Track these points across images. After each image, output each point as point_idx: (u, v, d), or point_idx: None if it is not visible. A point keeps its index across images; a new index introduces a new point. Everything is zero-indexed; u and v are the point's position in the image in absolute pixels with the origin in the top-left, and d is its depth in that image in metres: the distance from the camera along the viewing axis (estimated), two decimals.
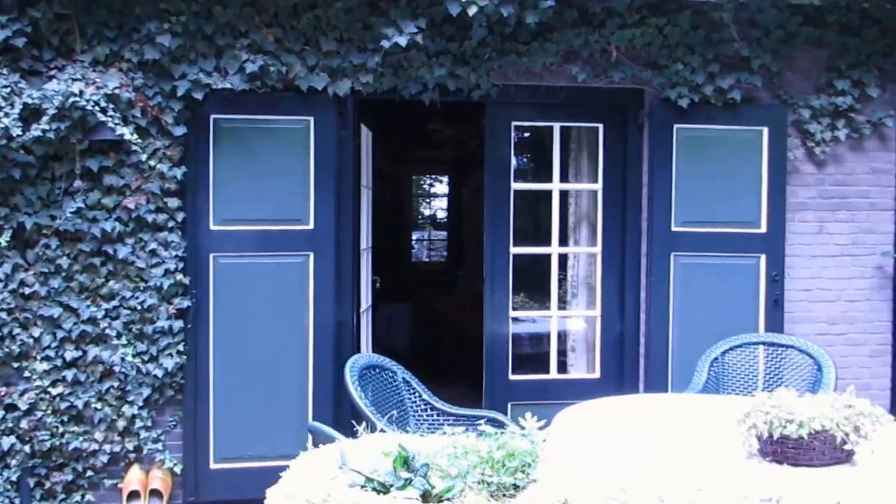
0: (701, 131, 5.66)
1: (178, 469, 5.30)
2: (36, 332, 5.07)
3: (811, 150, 5.83)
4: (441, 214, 15.88)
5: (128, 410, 5.17)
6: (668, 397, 4.55)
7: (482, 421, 4.66)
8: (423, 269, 14.33)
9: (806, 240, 5.92)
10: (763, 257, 5.72)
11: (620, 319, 5.81)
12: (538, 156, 5.86)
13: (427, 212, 16.20)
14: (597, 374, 5.86)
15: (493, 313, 5.72)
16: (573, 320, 6.17)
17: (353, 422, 3.84)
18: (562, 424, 3.98)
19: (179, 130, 5.09)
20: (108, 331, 5.11)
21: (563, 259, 6.20)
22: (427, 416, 4.70)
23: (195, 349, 5.25)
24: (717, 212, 5.70)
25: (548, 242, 5.91)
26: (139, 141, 4.97)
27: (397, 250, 13.84)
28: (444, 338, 9.21)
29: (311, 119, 5.30)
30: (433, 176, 15.12)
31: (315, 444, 3.09)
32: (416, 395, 4.69)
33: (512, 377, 5.77)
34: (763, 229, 5.72)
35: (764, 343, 5.53)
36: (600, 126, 5.83)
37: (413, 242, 14.67)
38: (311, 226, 5.33)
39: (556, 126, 5.82)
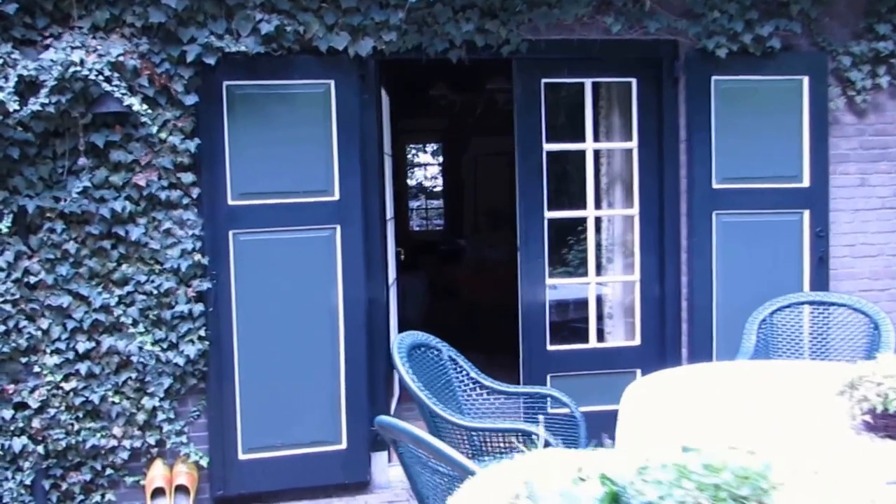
0: (739, 83, 5.26)
1: (204, 462, 4.85)
2: (44, 323, 4.60)
3: (852, 99, 5.46)
4: (429, 184, 15.38)
5: (148, 403, 4.73)
6: (739, 365, 4.18)
7: (543, 399, 4.30)
8: (419, 238, 13.87)
9: (848, 193, 5.56)
10: (806, 213, 5.36)
11: (660, 283, 5.44)
12: (568, 116, 5.45)
13: (413, 182, 15.68)
14: (637, 342, 5.50)
15: (528, 281, 5.32)
16: (609, 286, 5.78)
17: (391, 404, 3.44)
18: (636, 398, 3.62)
19: (191, 99, 4.60)
20: (122, 319, 4.65)
21: (595, 223, 5.80)
22: (476, 395, 4.32)
23: (218, 334, 4.80)
24: (758, 167, 5.32)
25: (582, 205, 5.51)
26: (148, 112, 4.48)
27: (397, 220, 13.37)
28: (457, 308, 8.80)
29: (332, 82, 4.83)
30: (425, 144, 14.61)
31: (386, 441, 2.66)
32: (464, 373, 4.30)
33: (550, 348, 5.39)
34: (806, 183, 5.35)
35: (813, 302, 5.18)
36: (633, 81, 5.41)
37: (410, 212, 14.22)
38: (336, 196, 4.88)
39: (588, 82, 5.39)
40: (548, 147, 5.33)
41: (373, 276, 5.05)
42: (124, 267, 4.64)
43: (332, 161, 4.87)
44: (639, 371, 5.48)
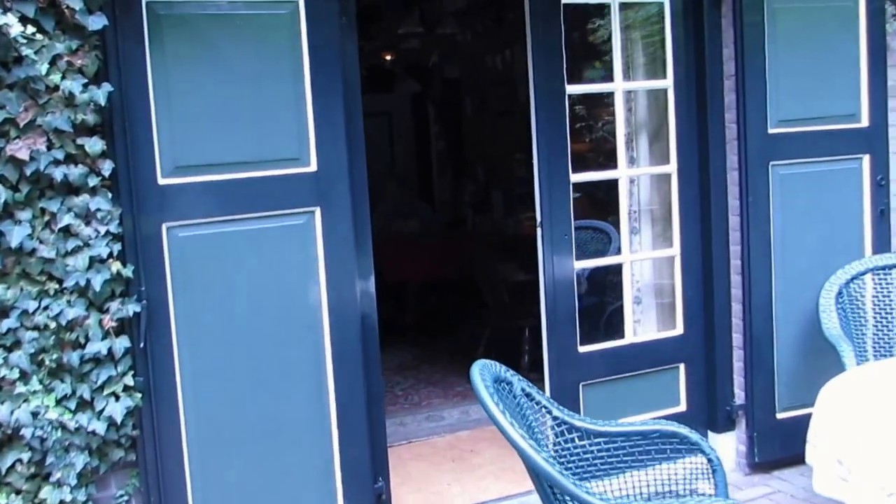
0: (794, 2, 4.05)
1: None
2: None
3: None
4: None
5: (51, 496, 2.99)
6: None
7: (664, 442, 2.92)
8: None
9: None
10: (866, 158, 4.22)
11: (704, 255, 4.15)
12: (588, 51, 4.15)
13: None
14: (679, 330, 4.21)
15: (553, 266, 3.90)
16: (636, 265, 4.44)
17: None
18: (839, 407, 2.40)
19: (96, 22, 2.78)
20: (2, 370, 2.88)
21: (609, 185, 4.45)
22: (566, 440, 2.90)
23: (152, 381, 3.07)
24: (815, 105, 4.09)
25: (609, 164, 4.15)
26: (29, 37, 2.69)
27: None
28: (383, 292, 7.25)
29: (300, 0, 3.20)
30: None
31: None
32: (544, 410, 2.86)
33: (581, 349, 4.03)
34: (864, 123, 4.21)
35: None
36: (666, 2, 4.08)
37: None
38: (312, 167, 3.22)
39: (615, 4, 4.01)
40: (571, 89, 3.91)
41: (364, 270, 3.45)
42: (0, 289, 2.86)
43: (304, 116, 3.19)
44: (682, 366, 4.22)
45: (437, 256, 6.66)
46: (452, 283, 6.94)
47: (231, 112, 3.10)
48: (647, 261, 4.37)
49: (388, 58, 9.35)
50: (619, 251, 4.29)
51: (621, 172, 4.08)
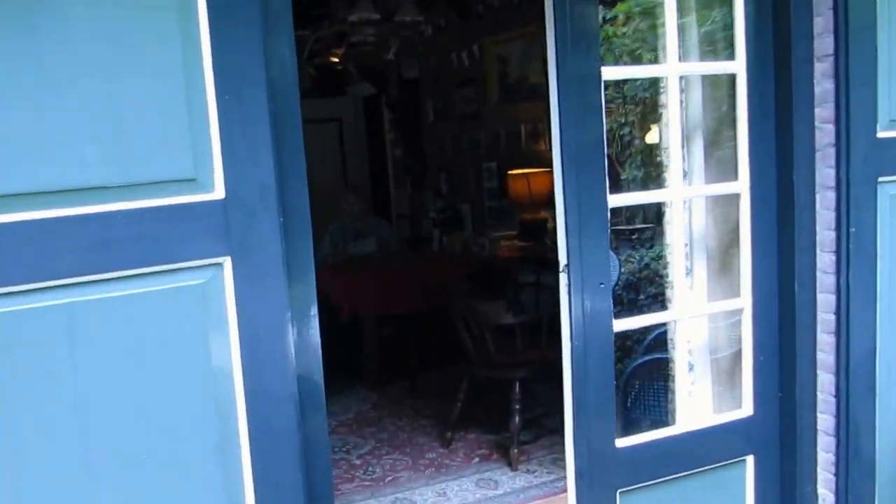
0: None
1: None
2: None
3: None
4: None
5: None
6: None
7: None
8: None
9: None
10: None
11: (784, 309, 2.92)
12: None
13: None
14: (746, 410, 2.93)
15: (582, 325, 2.57)
16: (684, 321, 3.07)
17: None
18: None
19: None
20: None
21: (649, 212, 3.16)
22: None
23: None
24: None
25: (652, 181, 2.87)
26: None
27: None
28: (338, 329, 5.82)
29: None
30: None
31: None
32: None
33: (620, 443, 2.74)
34: None
35: None
36: None
37: None
38: (216, 192, 1.88)
39: None
40: (609, 73, 2.61)
41: (304, 328, 2.11)
42: None
43: (202, 116, 1.86)
44: (750, 459, 2.95)
45: (399, 284, 5.31)
46: (418, 314, 5.61)
47: (71, 103, 1.73)
48: (704, 313, 3.08)
49: (338, 58, 7.97)
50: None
51: (677, 192, 2.78)
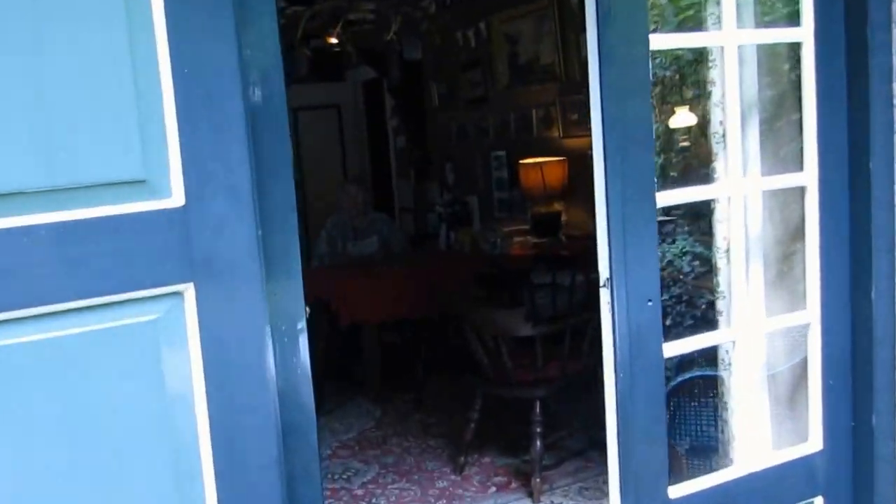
0: None
1: None
2: None
3: None
4: None
5: None
6: None
7: None
8: None
9: None
10: None
11: (858, 324, 2.48)
12: None
13: None
14: (815, 445, 2.50)
15: (627, 349, 2.15)
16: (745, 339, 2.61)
17: None
18: None
19: None
20: None
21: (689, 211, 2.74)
22: None
23: None
24: None
25: (698, 174, 2.44)
26: None
27: None
28: (338, 338, 5.36)
29: None
30: None
31: None
32: None
33: (673, 492, 2.32)
34: None
35: None
36: None
37: None
38: (174, 199, 1.44)
39: None
40: (658, 42, 2.17)
41: (292, 365, 1.69)
42: None
43: (153, 98, 1.44)
44: (819, 500, 2.55)
45: (403, 289, 4.89)
46: (425, 319, 5.21)
47: None
48: (756, 330, 2.65)
49: (336, 38, 7.53)
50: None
51: (736, 186, 2.35)
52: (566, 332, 3.75)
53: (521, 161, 5.69)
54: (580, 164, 5.50)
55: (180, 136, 1.44)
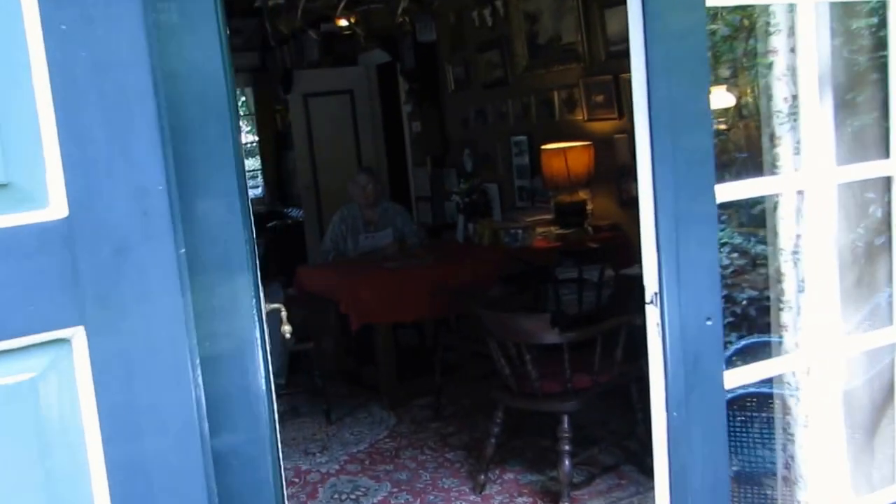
0: None
1: None
2: None
3: None
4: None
5: None
6: None
7: None
8: None
9: None
10: None
11: None
12: None
13: None
14: None
15: (683, 381, 1.69)
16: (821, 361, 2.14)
17: None
18: None
19: None
20: None
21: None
22: None
23: None
24: None
25: (753, 165, 1.97)
26: None
27: None
28: (348, 340, 4.91)
29: None
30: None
31: None
32: None
33: None
34: None
35: None
36: None
37: None
38: (52, 209, 1.00)
39: None
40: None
41: (252, 425, 1.29)
42: None
43: (14, 50, 1.00)
44: None
45: (419, 290, 4.43)
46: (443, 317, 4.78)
47: None
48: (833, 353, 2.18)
49: (346, 20, 7.09)
50: None
51: (814, 176, 1.87)
52: (597, 339, 3.30)
53: (543, 147, 5.22)
54: (606, 149, 5.04)
55: (58, 117, 1.00)
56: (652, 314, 1.69)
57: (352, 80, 7.92)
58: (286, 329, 2.17)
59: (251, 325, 1.30)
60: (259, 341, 1.32)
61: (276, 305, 2.19)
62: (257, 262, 1.32)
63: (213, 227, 1.20)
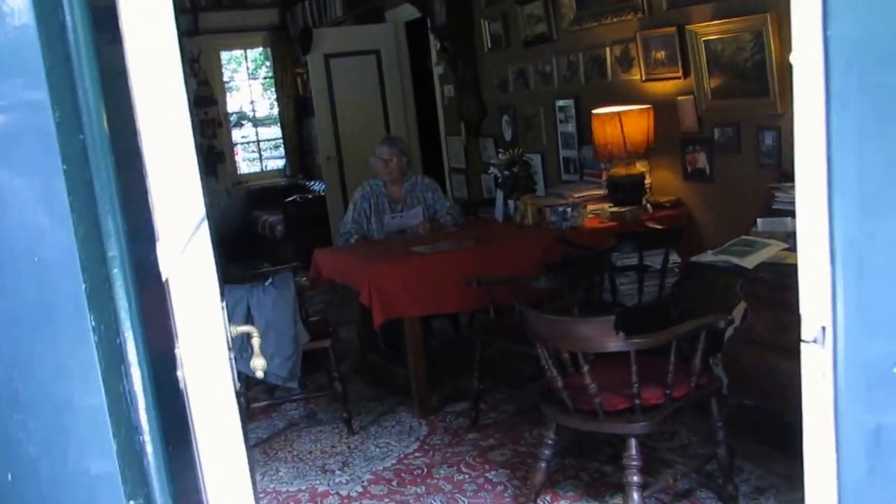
0: None
1: None
2: None
3: None
4: (254, 107, 10.51)
5: None
6: None
7: None
8: (254, 185, 9.16)
9: None
10: None
11: None
12: None
13: (232, 103, 10.74)
14: None
15: (862, 454, 1.15)
16: None
17: None
18: None
19: None
20: None
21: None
22: None
23: None
24: None
25: None
26: None
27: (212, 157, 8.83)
28: (374, 339, 4.37)
29: None
30: (246, 50, 9.78)
31: None
32: None
33: None
34: None
35: None
36: None
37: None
38: None
39: None
40: None
41: None
42: None
43: None
44: None
45: (453, 280, 3.87)
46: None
47: None
48: None
49: None
50: None
51: None
52: (671, 345, 2.75)
53: (593, 111, 4.61)
54: (668, 114, 4.43)
55: None
56: (814, 357, 1.13)
57: (378, 39, 7.35)
58: (257, 363, 1.67)
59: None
60: None
61: (245, 329, 1.68)
62: None
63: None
